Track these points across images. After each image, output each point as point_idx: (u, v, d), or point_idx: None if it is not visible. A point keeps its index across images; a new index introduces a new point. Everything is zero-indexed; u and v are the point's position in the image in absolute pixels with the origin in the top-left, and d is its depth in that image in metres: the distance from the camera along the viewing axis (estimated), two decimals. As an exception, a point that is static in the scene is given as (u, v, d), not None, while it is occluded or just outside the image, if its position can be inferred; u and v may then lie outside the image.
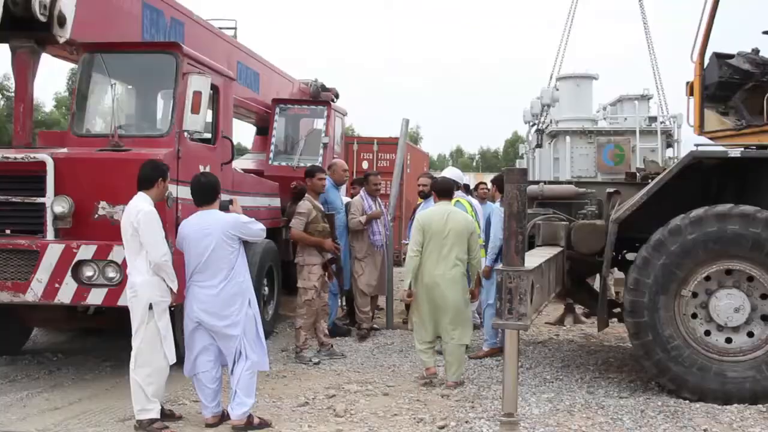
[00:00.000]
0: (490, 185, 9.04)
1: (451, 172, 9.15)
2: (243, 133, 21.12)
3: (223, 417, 5.66)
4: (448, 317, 6.84)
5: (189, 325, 5.64)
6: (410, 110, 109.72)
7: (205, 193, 5.73)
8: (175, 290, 5.56)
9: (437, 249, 6.79)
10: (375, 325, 9.57)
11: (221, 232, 5.54)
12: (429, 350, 7.02)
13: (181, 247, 5.69)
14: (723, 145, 7.42)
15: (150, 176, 5.62)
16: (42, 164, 6.33)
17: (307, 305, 7.76)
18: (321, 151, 10.46)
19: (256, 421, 5.57)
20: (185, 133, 6.74)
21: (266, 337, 7.87)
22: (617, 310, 7.36)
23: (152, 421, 5.41)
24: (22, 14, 6.39)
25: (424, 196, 9.18)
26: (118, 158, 6.42)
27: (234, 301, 5.58)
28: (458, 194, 8.49)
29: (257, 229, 5.82)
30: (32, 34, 6.69)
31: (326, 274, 7.96)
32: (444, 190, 7.19)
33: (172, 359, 5.51)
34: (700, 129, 7.78)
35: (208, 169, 7.08)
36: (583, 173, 22.81)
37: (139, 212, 5.40)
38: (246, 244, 5.88)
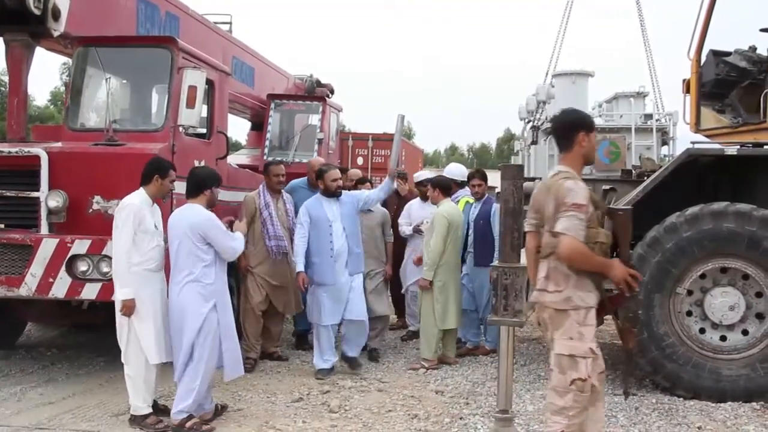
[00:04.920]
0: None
1: (454, 169, 8.93)
2: (237, 128, 21.07)
3: (217, 412, 5.65)
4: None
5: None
6: (405, 108, 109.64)
7: (190, 184, 5.62)
8: (121, 296, 5.27)
9: (454, 241, 7.48)
10: (280, 353, 7.75)
11: (188, 226, 5.37)
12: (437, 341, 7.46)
13: None
14: (719, 143, 7.43)
15: (146, 172, 5.57)
16: (36, 158, 6.30)
17: (574, 393, 3.99)
18: (316, 147, 10.43)
19: (189, 424, 5.33)
20: (180, 128, 6.72)
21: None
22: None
23: (146, 416, 5.41)
24: (16, 7, 6.35)
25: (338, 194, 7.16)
26: (112, 153, 6.39)
27: (196, 301, 5.33)
28: (464, 193, 8.24)
29: (228, 246, 5.48)
30: (26, 28, 6.64)
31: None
32: (447, 187, 7.76)
33: (162, 357, 5.45)
34: (697, 126, 7.80)
35: (203, 164, 7.05)
36: (578, 170, 22.82)
37: (119, 204, 5.40)
38: None
